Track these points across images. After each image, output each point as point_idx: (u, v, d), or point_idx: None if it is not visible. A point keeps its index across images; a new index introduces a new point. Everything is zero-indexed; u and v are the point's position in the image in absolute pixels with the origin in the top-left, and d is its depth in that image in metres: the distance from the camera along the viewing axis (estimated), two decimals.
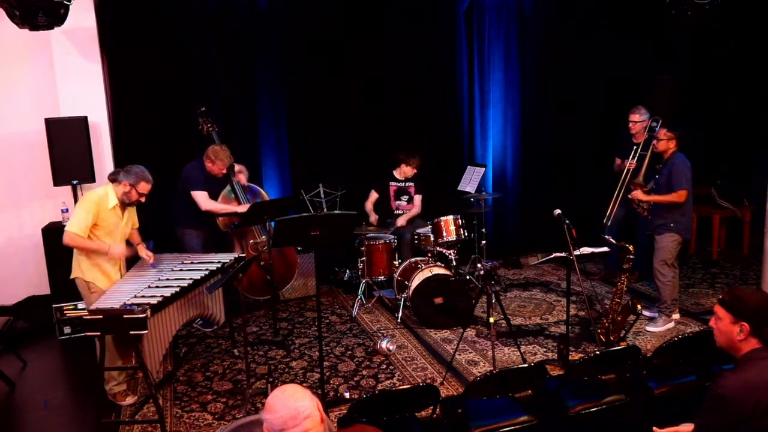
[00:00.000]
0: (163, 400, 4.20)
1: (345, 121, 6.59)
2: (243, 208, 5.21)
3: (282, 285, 5.80)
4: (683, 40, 7.14)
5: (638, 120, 5.80)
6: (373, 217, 6.15)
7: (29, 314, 5.52)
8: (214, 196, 5.32)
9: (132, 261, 4.52)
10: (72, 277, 4.17)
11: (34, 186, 5.66)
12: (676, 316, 5.24)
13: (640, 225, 5.65)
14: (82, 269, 4.11)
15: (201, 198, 5.20)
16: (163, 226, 5.52)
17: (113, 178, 4.16)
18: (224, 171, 5.24)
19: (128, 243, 4.38)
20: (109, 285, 4.11)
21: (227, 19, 6.10)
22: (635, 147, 5.75)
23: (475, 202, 6.22)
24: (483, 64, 7.08)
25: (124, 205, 4.19)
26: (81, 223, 3.99)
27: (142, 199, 4.21)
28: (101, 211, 4.07)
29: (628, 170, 5.73)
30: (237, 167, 5.58)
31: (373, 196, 6.22)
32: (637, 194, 5.16)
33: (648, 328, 5.09)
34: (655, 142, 5.16)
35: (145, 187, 4.15)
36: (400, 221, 6.07)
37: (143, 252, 4.43)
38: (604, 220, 5.83)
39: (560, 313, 5.51)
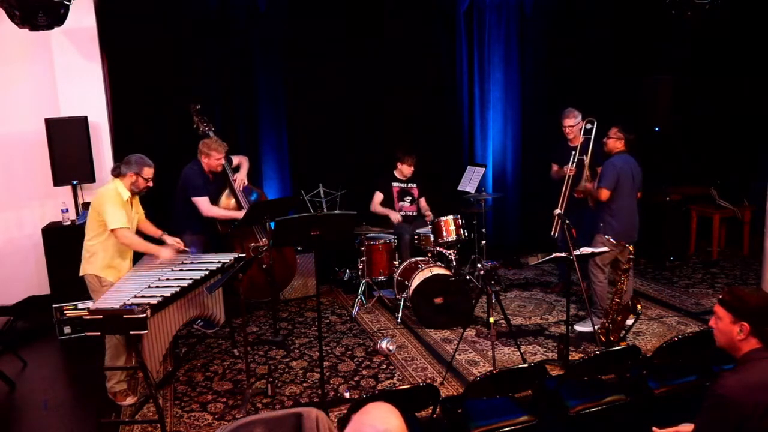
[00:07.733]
0: (163, 400, 4.19)
1: (345, 121, 6.59)
2: (243, 215, 5.19)
3: (282, 285, 5.80)
4: (683, 40, 7.13)
5: (573, 124, 5.59)
6: (382, 211, 6.10)
7: (29, 314, 5.54)
8: (214, 200, 5.31)
9: (138, 256, 4.51)
10: (82, 274, 4.17)
11: (34, 186, 5.67)
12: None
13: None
14: (96, 266, 4.12)
15: (203, 205, 5.17)
16: (163, 226, 5.51)
17: (116, 173, 4.20)
18: (222, 162, 5.21)
19: (142, 235, 4.40)
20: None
21: (227, 19, 6.11)
22: (573, 152, 5.55)
23: (475, 202, 6.21)
24: (483, 64, 7.08)
25: (133, 195, 4.25)
26: (122, 217, 4.05)
27: (150, 184, 4.24)
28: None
29: (569, 177, 5.50)
30: (236, 159, 5.57)
31: (378, 197, 6.19)
32: (587, 186, 5.17)
33: (577, 327, 5.04)
34: (604, 139, 5.06)
35: (148, 171, 4.20)
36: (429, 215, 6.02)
37: (171, 240, 4.47)
38: (552, 233, 5.53)
39: (560, 313, 5.51)
